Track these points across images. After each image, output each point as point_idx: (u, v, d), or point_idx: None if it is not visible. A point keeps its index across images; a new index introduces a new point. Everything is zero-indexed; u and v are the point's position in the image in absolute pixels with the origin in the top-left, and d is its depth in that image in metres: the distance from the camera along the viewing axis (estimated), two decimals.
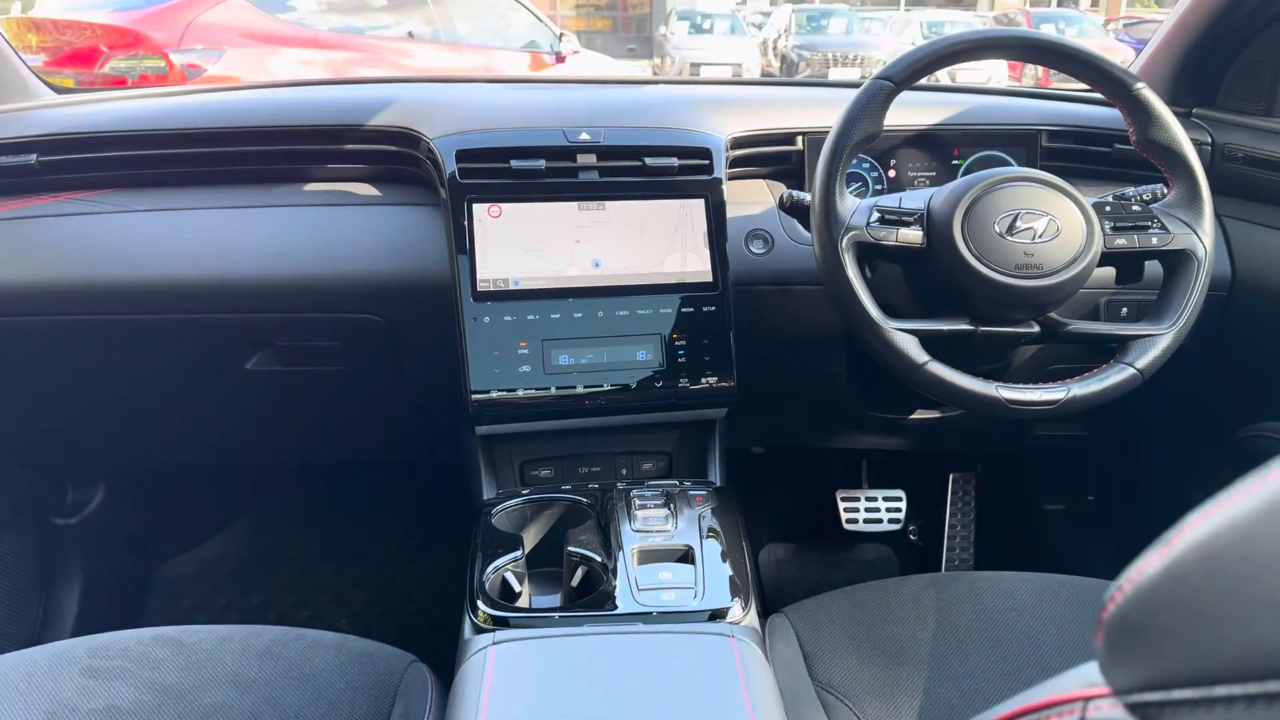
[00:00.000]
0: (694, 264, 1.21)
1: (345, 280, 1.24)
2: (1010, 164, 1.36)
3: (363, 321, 1.27)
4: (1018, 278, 1.05)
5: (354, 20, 5.19)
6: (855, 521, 1.81)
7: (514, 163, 1.20)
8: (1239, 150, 1.34)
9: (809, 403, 1.52)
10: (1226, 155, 1.36)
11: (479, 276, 1.16)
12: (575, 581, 1.00)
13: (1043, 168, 1.12)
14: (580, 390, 1.17)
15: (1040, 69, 13.12)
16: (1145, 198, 1.17)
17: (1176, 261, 1.10)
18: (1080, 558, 1.84)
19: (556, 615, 0.94)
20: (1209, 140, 1.38)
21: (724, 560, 1.01)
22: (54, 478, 1.66)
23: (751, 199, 1.34)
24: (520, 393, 1.15)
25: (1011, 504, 1.96)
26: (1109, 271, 1.16)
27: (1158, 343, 1.08)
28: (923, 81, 1.14)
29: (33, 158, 1.25)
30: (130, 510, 1.80)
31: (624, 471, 1.28)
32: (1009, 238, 1.06)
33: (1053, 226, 1.06)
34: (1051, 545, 1.89)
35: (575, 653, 0.86)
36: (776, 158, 1.37)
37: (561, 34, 6.12)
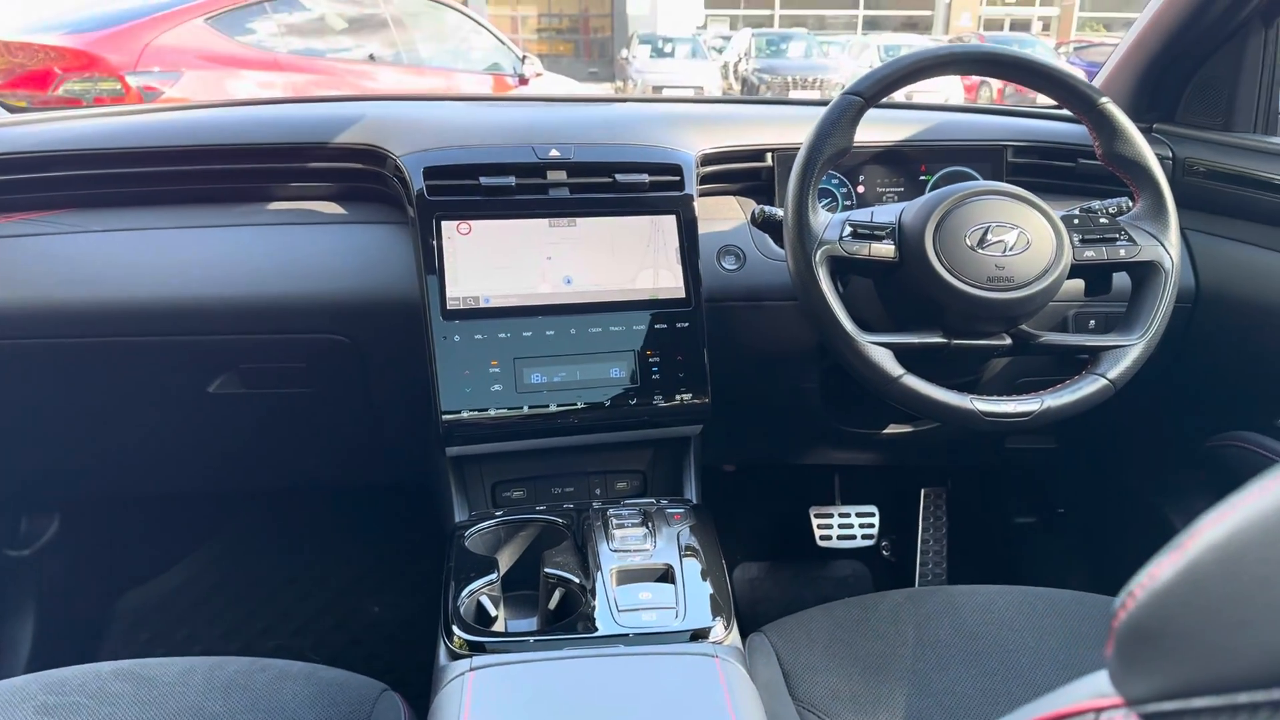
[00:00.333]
0: (666, 280, 1.20)
1: (310, 300, 1.21)
2: (976, 179, 1.38)
3: (329, 342, 1.24)
4: (989, 290, 1.06)
5: (314, 43, 5.14)
6: (829, 538, 1.81)
7: (483, 179, 1.18)
8: (1199, 164, 1.37)
9: (781, 419, 1.51)
10: (1187, 169, 1.38)
11: (449, 294, 1.14)
12: (553, 604, 0.98)
13: (1009, 183, 1.13)
14: (553, 409, 1.15)
15: (995, 92, 13.41)
16: (1111, 211, 1.18)
17: (1144, 273, 1.12)
18: (1052, 570, 1.85)
19: (535, 639, 0.92)
20: (1170, 155, 1.40)
21: (704, 579, 1.00)
22: (6, 508, 1.61)
23: (722, 215, 1.33)
24: (492, 412, 1.13)
25: (983, 518, 1.96)
26: (1077, 284, 1.18)
27: (1128, 353, 1.09)
28: (889, 100, 1.15)
29: None
30: (86, 541, 1.74)
31: (598, 491, 1.26)
32: (980, 251, 1.06)
33: (1023, 239, 1.07)
34: (1023, 558, 1.89)
35: (556, 677, 0.84)
36: (746, 174, 1.37)
37: (525, 56, 6.12)
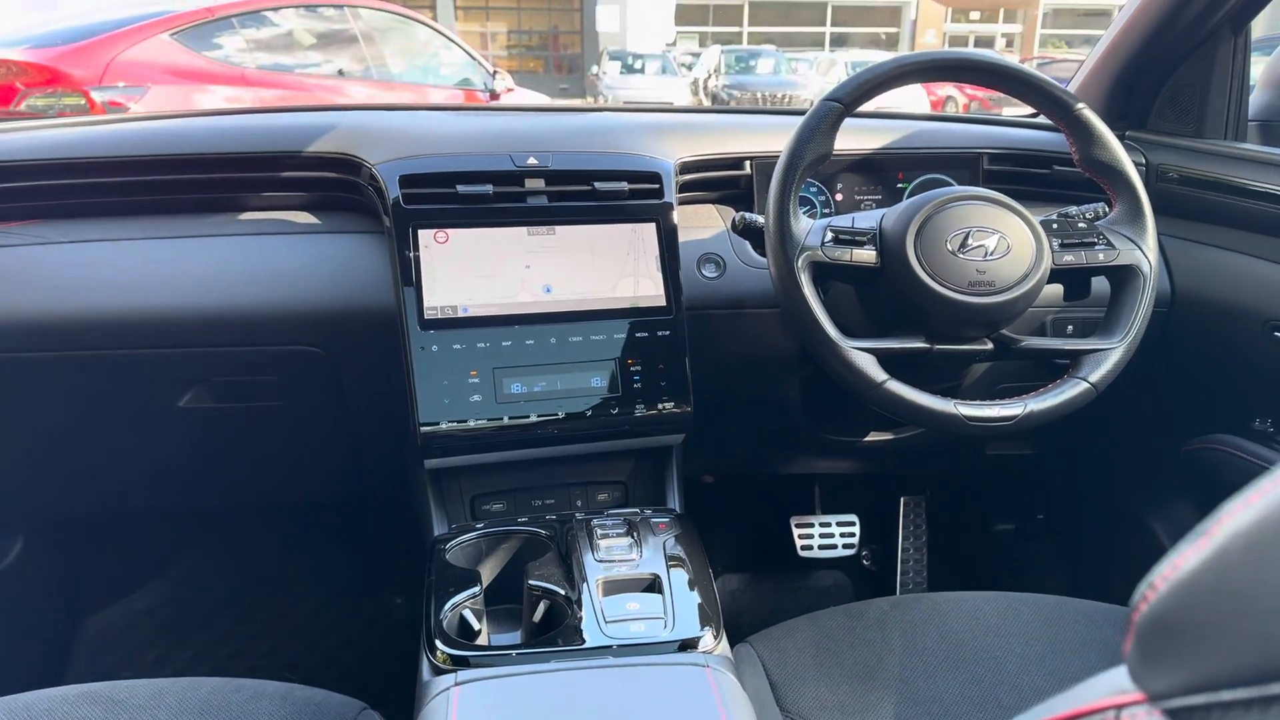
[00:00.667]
0: (647, 288, 1.19)
1: (283, 311, 1.19)
2: (953, 186, 1.38)
3: (302, 353, 1.22)
4: (971, 295, 1.06)
5: (283, 58, 5.11)
6: (810, 548, 1.80)
7: (460, 188, 1.17)
8: (1172, 170, 1.38)
9: (762, 427, 1.50)
10: (1161, 175, 1.40)
11: (426, 304, 1.12)
12: (537, 616, 0.96)
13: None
14: (533, 419, 1.13)
15: (961, 107, 13.61)
16: (1089, 216, 1.19)
17: (1123, 276, 1.12)
18: (1032, 576, 1.85)
19: (522, 652, 0.90)
20: (1143, 161, 1.41)
21: (692, 588, 0.98)
22: None
23: (702, 223, 1.33)
24: (471, 423, 1.11)
25: (963, 525, 1.97)
26: (1056, 289, 1.18)
27: (1110, 356, 1.09)
28: (865, 109, 1.15)
29: None
30: (51, 561, 1.69)
31: (579, 503, 1.25)
32: (961, 255, 1.07)
33: (1003, 244, 1.07)
34: (1003, 565, 1.90)
35: (545, 690, 0.82)
36: (724, 182, 1.37)
37: (495, 72, 6.12)
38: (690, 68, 18.93)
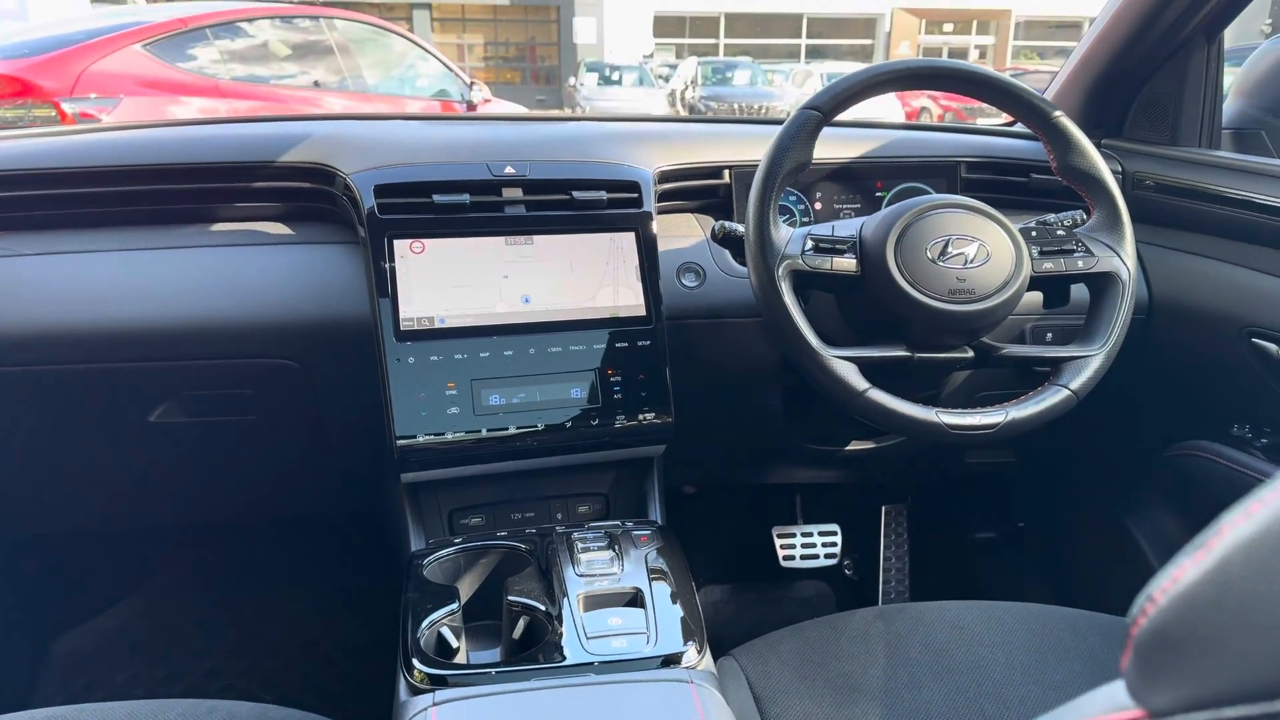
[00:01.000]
0: (626, 298, 1.18)
1: (256, 323, 1.17)
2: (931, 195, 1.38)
3: (276, 366, 1.20)
4: (951, 303, 1.06)
5: (257, 70, 5.07)
6: (792, 558, 1.79)
7: (436, 197, 1.15)
8: (1148, 178, 1.39)
9: (743, 437, 1.49)
10: (1137, 183, 1.40)
11: (402, 315, 1.11)
12: (517, 633, 0.95)
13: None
14: (512, 431, 1.12)
15: (935, 119, 13.72)
16: (1067, 223, 1.19)
17: (1102, 284, 1.13)
18: (1014, 585, 1.85)
19: (501, 670, 0.88)
20: (1120, 169, 1.42)
21: (674, 602, 0.97)
22: None
23: (681, 232, 1.32)
24: (449, 436, 1.10)
25: (944, 534, 1.96)
26: (1035, 297, 1.18)
27: (1090, 363, 1.09)
28: (844, 119, 1.15)
29: None
30: (17, 581, 1.65)
31: (559, 516, 1.23)
32: (941, 263, 1.06)
33: (983, 251, 1.07)
34: (985, 573, 1.90)
35: (525, 709, 0.80)
36: (703, 191, 1.36)
37: (473, 83, 6.11)
38: (667, 79, 19.00)
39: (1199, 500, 1.40)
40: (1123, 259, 1.12)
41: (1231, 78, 1.54)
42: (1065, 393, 1.09)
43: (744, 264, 1.14)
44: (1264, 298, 1.23)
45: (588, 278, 1.18)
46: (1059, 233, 1.14)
